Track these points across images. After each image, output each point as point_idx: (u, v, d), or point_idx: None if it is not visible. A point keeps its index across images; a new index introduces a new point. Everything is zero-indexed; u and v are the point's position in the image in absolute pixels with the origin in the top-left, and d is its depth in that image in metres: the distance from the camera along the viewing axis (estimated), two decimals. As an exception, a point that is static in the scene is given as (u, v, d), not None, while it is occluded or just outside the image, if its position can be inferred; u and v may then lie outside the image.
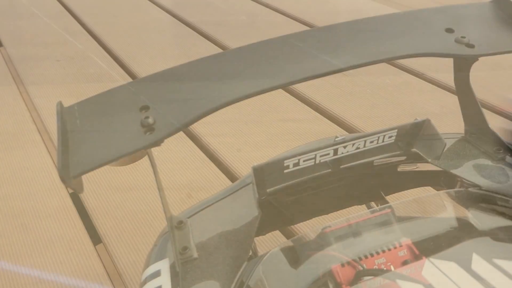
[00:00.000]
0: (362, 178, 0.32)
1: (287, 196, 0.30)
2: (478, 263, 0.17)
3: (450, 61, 0.29)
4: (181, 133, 0.53)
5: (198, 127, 0.54)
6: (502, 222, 0.22)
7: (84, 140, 0.22)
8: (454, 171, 0.26)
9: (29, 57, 0.74)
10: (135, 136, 0.22)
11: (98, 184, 0.47)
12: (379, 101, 0.54)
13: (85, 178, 0.51)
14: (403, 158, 0.32)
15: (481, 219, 0.22)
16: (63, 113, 0.23)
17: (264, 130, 0.52)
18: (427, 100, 0.54)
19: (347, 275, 0.21)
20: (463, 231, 0.21)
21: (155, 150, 0.55)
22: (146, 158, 0.52)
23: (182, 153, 0.50)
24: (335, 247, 0.22)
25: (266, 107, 0.56)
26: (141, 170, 0.48)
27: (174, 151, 0.50)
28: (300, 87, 0.59)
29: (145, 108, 0.24)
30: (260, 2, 0.84)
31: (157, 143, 0.22)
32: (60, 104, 0.23)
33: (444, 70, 0.58)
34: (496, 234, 0.21)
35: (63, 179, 0.20)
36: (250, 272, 0.21)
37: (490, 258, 0.18)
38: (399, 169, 0.33)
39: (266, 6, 0.82)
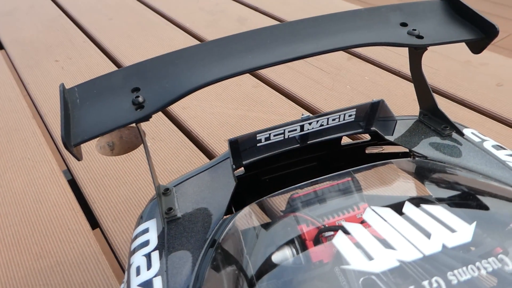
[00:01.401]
0: (331, 160, 0.36)
1: (263, 173, 0.34)
2: (414, 211, 0.21)
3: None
4: (173, 127, 0.57)
5: (189, 121, 0.57)
6: (443, 182, 0.26)
7: (82, 116, 0.26)
8: (407, 146, 0.30)
9: (29, 57, 0.77)
10: (127, 112, 0.26)
11: (95, 173, 0.50)
12: (358, 97, 0.58)
13: (83, 167, 0.54)
14: (369, 141, 0.35)
15: (426, 182, 0.25)
16: (65, 93, 0.27)
17: (250, 123, 0.56)
18: (404, 92, 0.58)
19: (310, 233, 0.24)
20: (409, 190, 0.25)
21: (149, 141, 0.58)
22: (138, 150, 0.56)
23: (174, 145, 0.53)
24: (301, 210, 0.26)
25: (253, 102, 0.60)
26: (135, 161, 0.52)
27: (167, 142, 0.54)
28: (287, 85, 0.63)
29: (136, 89, 0.27)
30: (249, 6, 0.88)
31: (146, 118, 0.26)
32: (62, 86, 0.27)
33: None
34: (435, 191, 0.24)
35: (66, 147, 0.24)
36: (223, 229, 0.25)
37: (425, 207, 0.21)
38: (367, 151, 0.37)
39: (255, 10, 0.86)
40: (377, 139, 0.35)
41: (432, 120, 0.32)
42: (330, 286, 0.17)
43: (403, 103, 0.56)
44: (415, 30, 0.30)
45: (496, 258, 0.16)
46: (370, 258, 0.18)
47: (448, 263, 0.17)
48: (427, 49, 0.31)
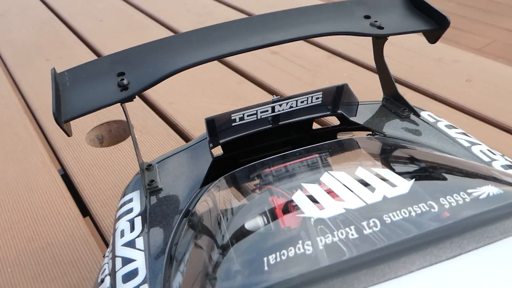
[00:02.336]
0: (305, 144, 0.39)
1: (240, 156, 0.36)
2: (364, 173, 0.23)
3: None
4: (160, 121, 0.59)
5: (176, 115, 0.60)
6: (394, 153, 0.28)
7: (72, 96, 0.29)
8: (370, 127, 0.33)
9: (20, 57, 0.80)
10: (113, 93, 0.29)
11: (84, 163, 0.53)
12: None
13: (73, 158, 0.57)
14: (338, 125, 0.38)
15: (380, 153, 0.28)
16: (56, 76, 0.29)
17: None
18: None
19: (279, 203, 0.27)
20: (364, 159, 0.27)
21: (136, 133, 0.60)
22: (126, 141, 0.58)
23: (160, 137, 0.56)
24: (272, 183, 0.29)
25: (237, 98, 0.63)
26: (122, 151, 0.54)
27: (153, 135, 0.56)
28: (269, 82, 0.66)
29: (121, 73, 0.30)
30: (236, 8, 0.91)
31: (130, 98, 0.28)
32: (54, 70, 0.30)
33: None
34: (386, 159, 0.27)
35: (57, 122, 0.26)
36: (198, 198, 0.28)
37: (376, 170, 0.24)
38: (338, 137, 0.40)
39: (242, 11, 0.90)
40: (345, 124, 0.38)
41: (394, 104, 0.35)
42: (289, 233, 0.20)
43: (379, 97, 0.59)
44: (376, 21, 0.33)
45: (426, 204, 0.19)
46: (321, 208, 0.21)
47: (385, 208, 0.20)
48: (387, 39, 0.34)
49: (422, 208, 0.19)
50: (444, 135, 0.31)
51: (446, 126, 0.32)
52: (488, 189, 0.20)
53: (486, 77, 0.61)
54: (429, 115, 0.34)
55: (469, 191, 0.20)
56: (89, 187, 0.49)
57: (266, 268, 0.18)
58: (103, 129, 0.60)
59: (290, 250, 0.18)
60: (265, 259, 0.18)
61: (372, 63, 0.67)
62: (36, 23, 0.93)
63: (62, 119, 0.27)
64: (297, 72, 0.67)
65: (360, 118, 0.34)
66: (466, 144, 0.30)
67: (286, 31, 0.31)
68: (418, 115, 0.34)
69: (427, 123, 0.33)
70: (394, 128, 0.32)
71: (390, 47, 0.71)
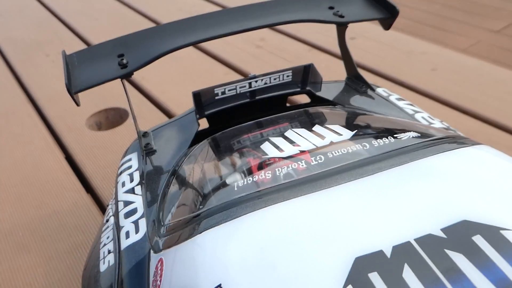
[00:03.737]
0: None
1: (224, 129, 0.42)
2: (320, 129, 0.29)
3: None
4: (153, 107, 0.65)
5: (167, 102, 0.66)
6: (348, 116, 0.34)
7: (80, 73, 0.34)
8: (335, 101, 0.39)
9: (21, 53, 0.85)
10: (114, 70, 0.34)
11: (85, 145, 0.58)
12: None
13: (75, 141, 0.62)
14: (309, 103, 0.44)
15: (336, 116, 0.34)
16: (66, 57, 0.35)
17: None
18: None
19: (250, 149, 0.32)
20: (324, 120, 0.33)
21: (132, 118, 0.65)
22: (123, 126, 0.64)
23: (154, 121, 0.61)
24: (253, 148, 0.34)
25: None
26: (120, 135, 0.59)
27: (148, 119, 0.62)
28: (254, 72, 0.71)
29: (121, 55, 0.36)
30: (224, 7, 0.97)
31: (129, 74, 0.34)
32: (64, 52, 0.35)
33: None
34: (341, 120, 0.32)
35: (69, 93, 0.32)
36: (184, 157, 0.33)
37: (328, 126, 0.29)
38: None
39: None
40: (315, 101, 0.43)
41: (354, 82, 0.41)
42: (254, 167, 0.26)
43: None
44: (338, 11, 0.39)
45: (361, 144, 0.25)
46: (281, 151, 0.26)
47: (330, 148, 0.25)
48: (347, 26, 0.40)
49: (357, 147, 0.25)
50: (393, 105, 0.37)
51: (396, 98, 0.38)
52: (410, 134, 0.26)
53: (449, 66, 0.67)
54: (383, 90, 0.40)
55: (395, 135, 0.26)
56: (90, 165, 0.55)
57: (235, 189, 0.23)
58: (101, 115, 0.65)
59: (255, 177, 0.24)
60: (235, 183, 0.24)
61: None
62: (34, 22, 0.98)
63: (73, 90, 0.32)
64: (279, 64, 0.73)
65: (327, 94, 0.40)
66: (411, 112, 0.36)
67: (261, 19, 0.37)
68: (373, 90, 0.39)
69: (381, 96, 0.39)
70: (354, 101, 0.38)
71: (366, 42, 0.77)
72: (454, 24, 1.77)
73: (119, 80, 0.34)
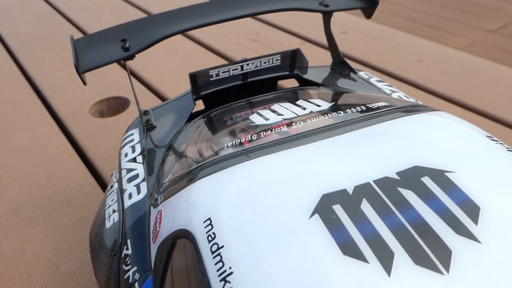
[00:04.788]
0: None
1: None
2: (304, 103, 0.33)
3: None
4: (153, 96, 0.68)
5: (167, 91, 0.69)
6: (331, 93, 0.37)
7: (87, 55, 0.37)
8: (318, 82, 0.42)
9: (26, 46, 0.88)
10: (117, 53, 0.37)
11: (88, 130, 0.62)
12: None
13: (78, 126, 0.66)
14: (298, 87, 0.47)
15: (321, 95, 0.37)
16: (75, 41, 0.38)
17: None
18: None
19: (239, 118, 0.35)
20: (309, 97, 0.36)
21: (133, 106, 0.69)
22: (124, 114, 0.67)
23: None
24: (242, 119, 0.37)
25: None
26: (122, 121, 0.63)
27: (148, 107, 0.65)
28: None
29: (124, 40, 0.39)
30: None
31: (131, 57, 0.37)
32: (72, 37, 0.38)
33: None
34: (325, 97, 0.36)
35: (78, 73, 0.35)
36: (180, 131, 0.37)
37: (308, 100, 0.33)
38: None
39: None
40: (303, 84, 0.47)
41: (339, 66, 0.44)
42: (242, 131, 0.29)
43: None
44: (324, 1, 0.42)
45: (336, 112, 0.29)
46: (267, 119, 0.30)
47: (309, 116, 0.29)
48: (332, 15, 0.43)
49: (333, 114, 0.28)
50: (373, 86, 0.41)
51: (376, 80, 0.42)
52: (378, 104, 0.29)
53: (435, 58, 0.71)
54: (365, 73, 0.43)
55: (368, 104, 0.29)
56: (93, 149, 0.58)
57: (225, 149, 0.27)
58: (103, 104, 0.68)
59: (242, 139, 0.27)
60: (225, 145, 0.27)
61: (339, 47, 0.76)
62: (38, 17, 1.02)
63: (80, 70, 0.36)
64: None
65: (314, 77, 0.43)
66: (388, 92, 0.40)
67: (252, 7, 0.40)
68: (355, 73, 0.43)
69: (362, 78, 0.42)
70: (338, 83, 0.42)
71: (357, 35, 0.81)
72: (451, 24, 1.80)
73: (120, 71, 0.37)
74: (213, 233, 0.20)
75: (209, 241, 0.20)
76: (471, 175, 0.21)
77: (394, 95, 0.39)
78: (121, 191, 0.33)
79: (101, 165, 0.55)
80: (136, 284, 0.26)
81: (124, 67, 0.38)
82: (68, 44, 0.87)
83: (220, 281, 0.18)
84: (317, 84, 0.42)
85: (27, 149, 0.59)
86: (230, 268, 0.18)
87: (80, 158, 0.57)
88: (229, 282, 0.18)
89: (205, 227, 0.21)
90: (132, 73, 0.75)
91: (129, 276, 0.26)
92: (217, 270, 0.19)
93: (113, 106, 0.69)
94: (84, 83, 0.37)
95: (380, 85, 0.41)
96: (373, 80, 0.42)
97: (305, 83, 0.44)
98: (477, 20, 1.89)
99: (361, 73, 0.43)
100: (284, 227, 0.19)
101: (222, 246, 0.19)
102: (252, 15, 0.40)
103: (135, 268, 0.26)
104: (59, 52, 0.84)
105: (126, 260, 0.27)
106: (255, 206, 0.20)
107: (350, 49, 0.76)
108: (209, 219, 0.21)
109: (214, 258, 0.19)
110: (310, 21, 0.86)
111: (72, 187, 0.52)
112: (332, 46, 0.45)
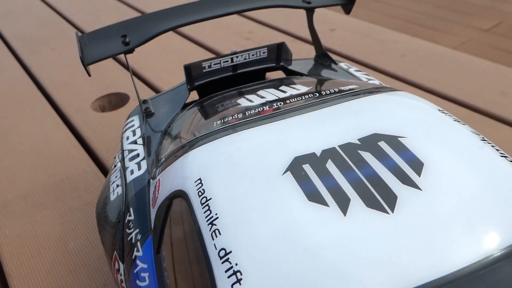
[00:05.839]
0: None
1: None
2: (286, 88, 0.36)
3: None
4: (152, 92, 0.72)
5: (165, 87, 0.73)
6: (313, 81, 0.41)
7: (90, 50, 0.41)
8: (303, 72, 0.46)
9: (29, 47, 0.92)
10: (118, 47, 0.41)
11: (91, 123, 0.65)
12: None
13: (82, 120, 0.70)
14: (285, 78, 0.51)
15: (304, 83, 0.41)
16: (79, 37, 0.42)
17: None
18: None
19: (228, 102, 0.39)
20: (293, 85, 0.40)
21: (133, 101, 0.73)
22: (125, 108, 0.71)
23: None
24: (231, 103, 0.41)
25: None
26: (123, 115, 0.67)
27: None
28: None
29: (124, 35, 0.43)
30: None
31: (131, 50, 0.41)
32: (77, 33, 0.42)
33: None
34: (307, 85, 0.40)
35: (83, 65, 0.39)
36: (175, 117, 0.40)
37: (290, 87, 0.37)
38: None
39: None
40: (289, 75, 0.51)
41: (321, 58, 0.48)
42: (229, 112, 0.33)
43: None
44: None
45: (313, 94, 0.32)
46: (251, 102, 0.34)
47: (288, 97, 0.33)
48: (314, 11, 0.47)
49: (310, 95, 0.32)
50: (351, 75, 0.45)
51: (354, 70, 0.46)
52: (351, 87, 0.33)
53: (417, 53, 0.75)
54: (345, 64, 0.47)
55: (341, 88, 0.33)
56: (96, 140, 0.62)
57: (214, 126, 0.31)
58: (104, 100, 0.72)
59: (229, 117, 0.31)
60: (214, 123, 0.31)
61: (327, 44, 0.80)
62: (40, 20, 1.06)
63: (85, 63, 0.40)
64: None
65: (299, 69, 0.47)
66: (365, 79, 0.44)
67: (241, 5, 0.44)
68: (336, 64, 0.47)
69: (342, 69, 0.46)
70: (320, 73, 0.46)
71: (344, 32, 0.85)
72: (444, 23, 1.83)
73: (120, 69, 0.41)
74: (203, 189, 0.24)
75: (199, 196, 0.24)
76: (420, 139, 0.25)
77: (371, 82, 0.43)
78: (123, 168, 0.37)
79: (103, 154, 0.59)
80: (138, 243, 0.29)
81: (125, 61, 0.42)
82: (69, 44, 0.91)
83: (208, 224, 0.22)
84: (301, 74, 0.46)
85: (33, 142, 0.63)
86: (216, 214, 0.22)
87: (84, 149, 0.61)
88: (215, 224, 0.22)
89: (196, 186, 0.24)
90: (132, 70, 0.79)
91: (131, 237, 0.30)
92: (206, 217, 0.23)
93: (114, 101, 0.73)
94: (89, 74, 0.41)
95: (358, 74, 0.45)
96: (352, 70, 0.46)
97: (291, 74, 0.48)
98: (470, 20, 1.92)
99: (341, 64, 0.47)
100: (261, 182, 0.23)
101: (210, 199, 0.23)
102: (240, 12, 0.44)
103: (137, 230, 0.30)
104: (61, 52, 0.88)
105: (129, 225, 0.31)
106: (238, 167, 0.24)
107: (338, 45, 0.80)
108: (199, 179, 0.25)
109: (203, 208, 0.23)
110: (300, 20, 0.90)
111: (77, 175, 0.56)
112: (315, 40, 0.49)
